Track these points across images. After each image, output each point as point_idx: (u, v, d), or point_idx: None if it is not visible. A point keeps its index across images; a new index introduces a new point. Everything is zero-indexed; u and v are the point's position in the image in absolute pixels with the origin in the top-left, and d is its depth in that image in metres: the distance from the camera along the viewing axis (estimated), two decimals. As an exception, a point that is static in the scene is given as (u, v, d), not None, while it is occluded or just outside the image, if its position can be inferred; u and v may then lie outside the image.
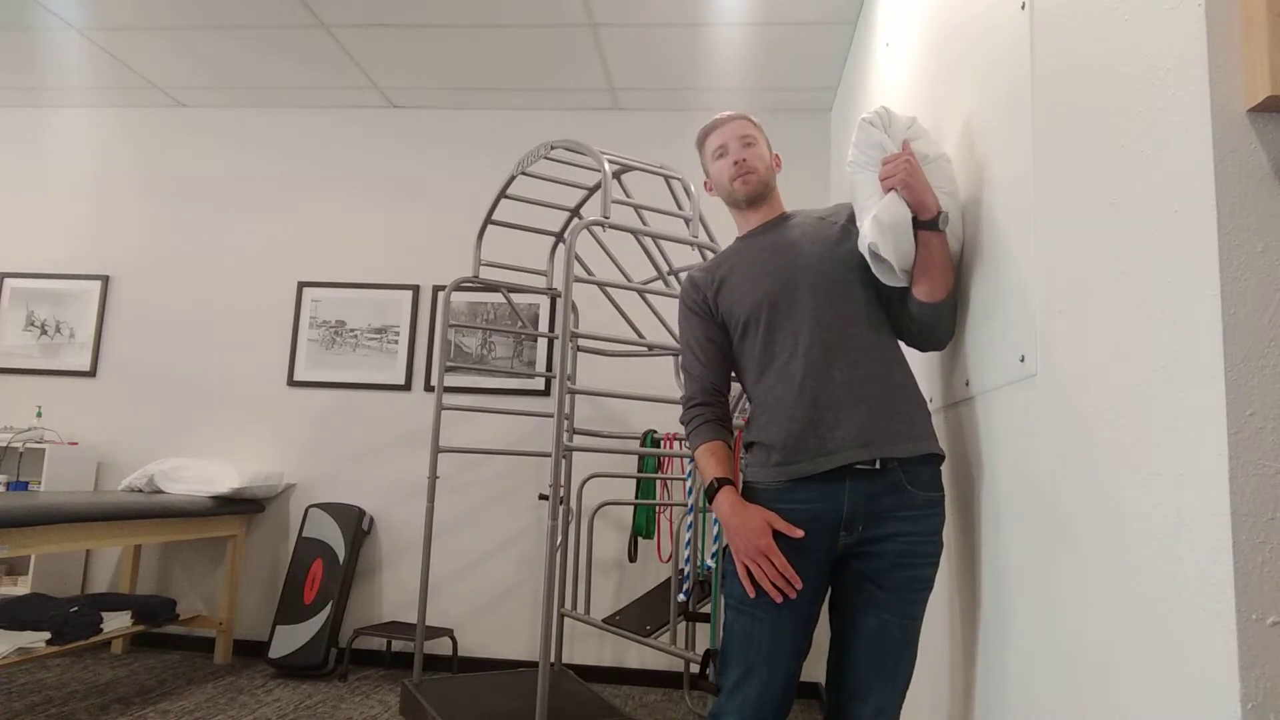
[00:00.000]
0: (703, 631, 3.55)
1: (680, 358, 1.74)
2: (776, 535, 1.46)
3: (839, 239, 1.63)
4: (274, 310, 4.18)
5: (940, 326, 1.57)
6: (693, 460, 1.79)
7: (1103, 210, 1.05)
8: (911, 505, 1.47)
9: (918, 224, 1.50)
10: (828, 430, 1.47)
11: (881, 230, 1.48)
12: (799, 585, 1.44)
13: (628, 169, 2.80)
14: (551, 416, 3.59)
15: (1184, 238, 0.87)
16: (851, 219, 1.65)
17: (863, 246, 1.54)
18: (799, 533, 1.45)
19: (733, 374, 1.71)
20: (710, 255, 2.74)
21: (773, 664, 1.47)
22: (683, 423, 1.67)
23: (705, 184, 1.79)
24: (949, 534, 1.73)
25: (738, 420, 1.80)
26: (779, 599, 1.45)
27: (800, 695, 3.60)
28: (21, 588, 3.72)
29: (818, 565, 1.48)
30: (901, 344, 1.63)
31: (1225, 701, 0.78)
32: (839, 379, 1.50)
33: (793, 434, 1.49)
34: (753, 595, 1.47)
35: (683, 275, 2.94)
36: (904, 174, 1.48)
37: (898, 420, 1.48)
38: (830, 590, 1.56)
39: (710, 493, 1.54)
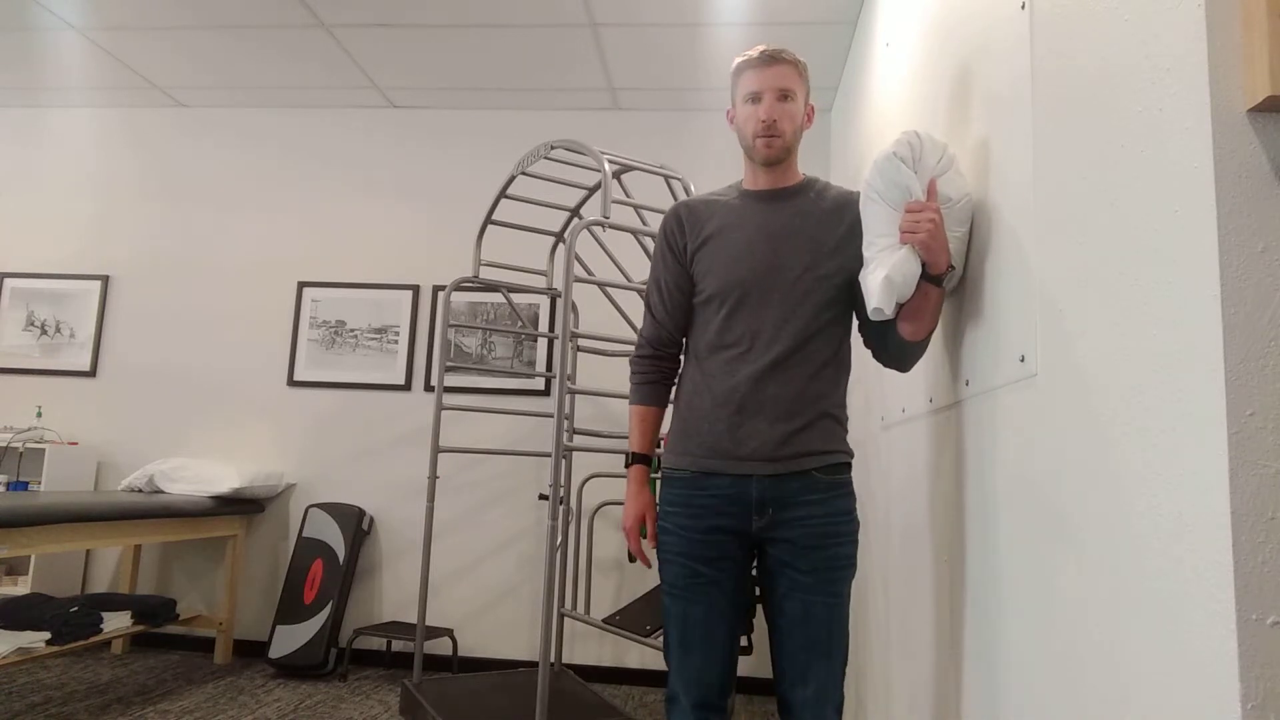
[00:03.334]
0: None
1: (646, 290, 1.74)
2: (689, 516, 1.57)
3: (835, 248, 1.59)
4: (274, 310, 4.18)
5: (914, 357, 1.63)
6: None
7: (1103, 210, 1.05)
8: (817, 488, 1.54)
9: (923, 275, 1.48)
10: (745, 438, 1.54)
11: (890, 292, 1.45)
12: (649, 566, 1.67)
13: (628, 169, 2.80)
14: (551, 416, 3.59)
15: (1184, 238, 0.87)
16: (856, 226, 1.59)
17: (869, 303, 1.48)
18: (652, 544, 1.63)
19: None
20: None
21: (710, 641, 1.55)
22: (631, 363, 1.74)
23: (728, 113, 1.68)
24: (946, 535, 1.73)
25: None
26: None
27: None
28: (21, 588, 3.72)
29: (739, 544, 1.57)
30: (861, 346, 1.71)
31: (1225, 701, 0.78)
32: (770, 392, 1.54)
33: (712, 432, 1.56)
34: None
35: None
36: (926, 236, 1.43)
37: (814, 438, 1.55)
38: (760, 582, 1.63)
39: (627, 461, 1.70)
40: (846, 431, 1.62)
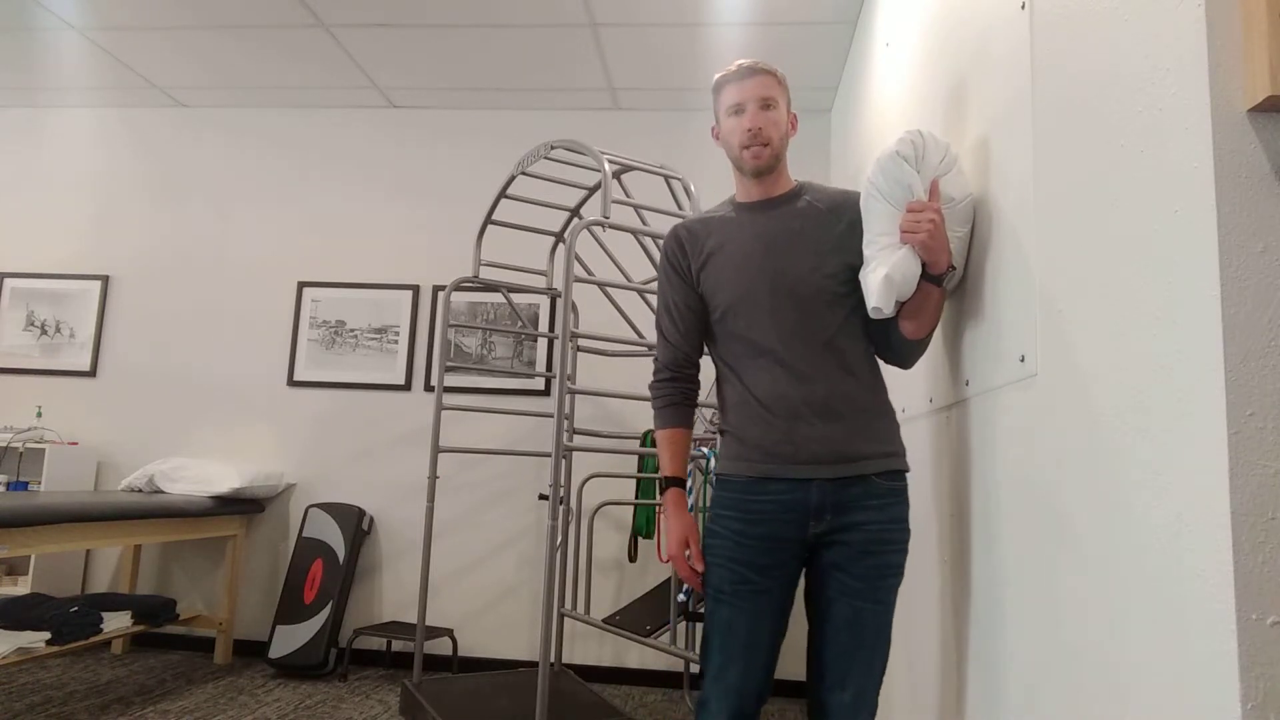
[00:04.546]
0: (702, 631, 3.54)
1: (656, 316, 1.73)
2: (744, 521, 1.53)
3: (835, 247, 1.59)
4: (274, 310, 4.18)
5: (916, 355, 1.63)
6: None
7: (1103, 210, 1.05)
8: (876, 494, 1.52)
9: (924, 275, 1.48)
10: (802, 441, 1.51)
11: (889, 291, 1.45)
12: (695, 587, 1.60)
13: (628, 169, 2.80)
14: (551, 416, 3.59)
15: (1184, 238, 0.87)
16: (855, 224, 1.59)
17: (869, 301, 1.50)
18: (700, 567, 1.58)
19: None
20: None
21: (752, 649, 1.52)
22: (650, 389, 1.72)
23: (713, 130, 1.68)
24: (947, 535, 1.73)
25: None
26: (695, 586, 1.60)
27: (797, 695, 3.60)
28: (21, 588, 3.72)
29: (792, 553, 1.54)
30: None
31: (1225, 701, 0.78)
32: (819, 393, 1.52)
33: (768, 438, 1.53)
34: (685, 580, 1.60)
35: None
36: (926, 236, 1.43)
37: (870, 439, 1.53)
38: (805, 583, 1.61)
39: (661, 486, 1.67)
40: (898, 425, 1.60)
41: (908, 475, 1.59)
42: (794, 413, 1.52)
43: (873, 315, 1.51)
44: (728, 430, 1.61)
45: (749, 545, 1.52)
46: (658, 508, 3.52)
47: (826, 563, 1.53)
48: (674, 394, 1.68)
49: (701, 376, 1.75)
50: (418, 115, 4.29)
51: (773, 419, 1.53)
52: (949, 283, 1.52)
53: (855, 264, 1.59)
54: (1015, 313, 1.34)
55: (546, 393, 3.96)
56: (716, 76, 1.66)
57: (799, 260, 1.57)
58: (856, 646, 1.50)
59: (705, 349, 1.72)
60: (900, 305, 1.52)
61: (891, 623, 1.53)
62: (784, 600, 1.55)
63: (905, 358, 1.64)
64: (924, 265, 1.47)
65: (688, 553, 1.60)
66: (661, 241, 3.13)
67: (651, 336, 3.64)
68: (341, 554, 3.79)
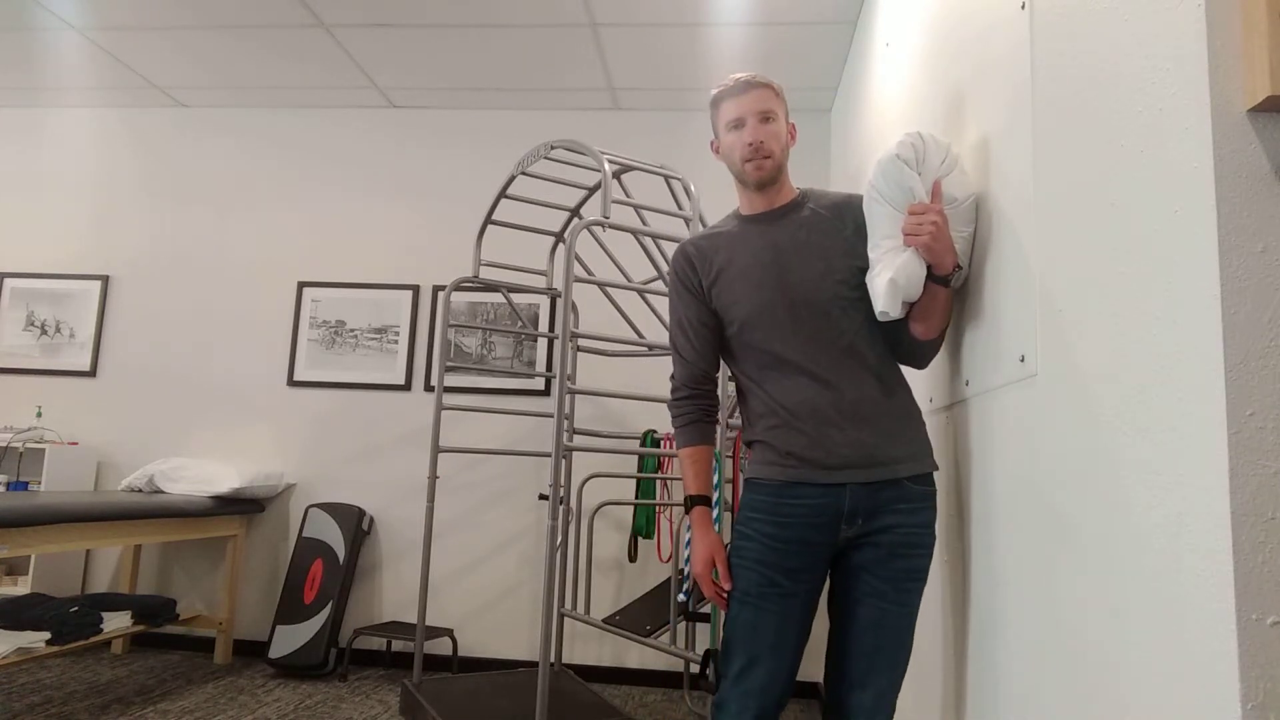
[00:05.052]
0: (703, 631, 3.55)
1: (670, 334, 1.73)
2: (774, 524, 1.52)
3: (844, 251, 1.59)
4: (274, 310, 4.18)
5: (929, 356, 1.63)
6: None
7: (1103, 210, 1.05)
8: (908, 498, 1.51)
9: (930, 276, 1.48)
10: (834, 446, 1.50)
11: (895, 294, 1.46)
12: (721, 606, 1.57)
13: (628, 169, 2.80)
14: (551, 416, 3.59)
15: (1184, 238, 0.87)
16: (861, 228, 1.60)
17: (875, 305, 1.50)
18: (728, 586, 1.56)
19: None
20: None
21: (777, 652, 1.51)
22: (670, 408, 1.71)
23: (712, 144, 1.69)
24: (947, 535, 1.73)
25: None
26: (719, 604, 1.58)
27: (801, 695, 3.60)
28: (21, 588, 3.72)
29: (821, 557, 1.53)
30: None
31: (1225, 701, 0.78)
32: (846, 398, 1.51)
33: (799, 444, 1.52)
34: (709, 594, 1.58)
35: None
36: (929, 238, 1.43)
37: (901, 442, 1.52)
38: (830, 583, 1.60)
39: (686, 505, 1.65)
40: (924, 424, 1.60)
41: (935, 475, 1.58)
42: (823, 419, 1.51)
43: (880, 319, 1.51)
44: (757, 440, 1.60)
45: (778, 549, 1.51)
46: (658, 508, 3.52)
47: (854, 564, 1.53)
48: (694, 411, 1.68)
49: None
50: (417, 115, 4.29)
51: (802, 426, 1.52)
52: (956, 282, 1.53)
53: (865, 267, 1.59)
54: (1015, 313, 1.34)
55: (546, 393, 3.96)
56: (713, 92, 1.65)
57: (809, 268, 1.57)
58: (879, 648, 1.50)
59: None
60: (909, 307, 1.52)
61: (914, 626, 1.53)
62: (811, 603, 1.54)
63: (919, 359, 1.63)
64: (929, 266, 1.47)
65: (714, 572, 1.58)
66: (663, 244, 3.14)
67: (652, 336, 3.64)
68: (341, 554, 3.79)
